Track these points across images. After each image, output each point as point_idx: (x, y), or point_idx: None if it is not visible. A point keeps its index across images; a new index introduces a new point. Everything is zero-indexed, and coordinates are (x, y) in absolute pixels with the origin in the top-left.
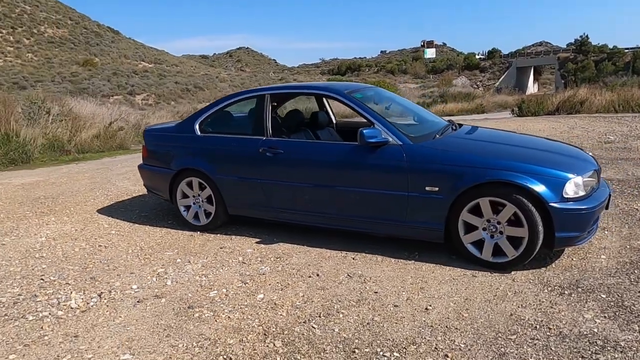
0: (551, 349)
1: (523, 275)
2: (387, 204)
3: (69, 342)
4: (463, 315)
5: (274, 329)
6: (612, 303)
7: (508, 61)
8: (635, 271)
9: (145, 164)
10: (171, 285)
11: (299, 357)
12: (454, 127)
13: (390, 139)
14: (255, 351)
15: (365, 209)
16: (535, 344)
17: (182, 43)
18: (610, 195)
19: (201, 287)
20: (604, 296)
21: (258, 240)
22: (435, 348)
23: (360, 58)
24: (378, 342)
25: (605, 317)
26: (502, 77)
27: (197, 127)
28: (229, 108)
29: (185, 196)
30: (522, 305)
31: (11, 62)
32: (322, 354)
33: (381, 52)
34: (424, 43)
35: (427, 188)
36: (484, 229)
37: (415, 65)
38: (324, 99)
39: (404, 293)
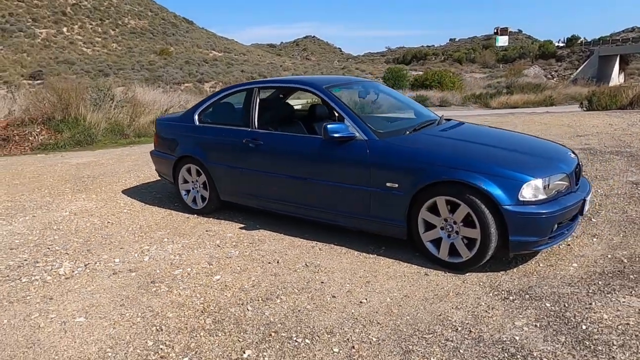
0: (459, 351)
1: (477, 278)
2: (353, 198)
3: (44, 303)
4: (392, 311)
5: (212, 308)
6: (552, 313)
7: (589, 49)
8: (599, 282)
9: (156, 151)
10: (147, 261)
11: (220, 335)
12: (437, 123)
13: (357, 134)
14: (185, 325)
15: (334, 202)
16: (446, 345)
17: (252, 32)
18: (585, 200)
19: (170, 265)
20: (548, 305)
21: (243, 225)
22: (347, 339)
23: (427, 46)
24: (298, 328)
25: (536, 326)
26: (581, 66)
27: (196, 117)
28: (227, 100)
29: (185, 181)
30: (457, 307)
31: (98, 51)
32: (242, 333)
33: (450, 40)
34: (497, 30)
35: (387, 184)
36: (442, 228)
37: (485, 54)
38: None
39: (348, 285)
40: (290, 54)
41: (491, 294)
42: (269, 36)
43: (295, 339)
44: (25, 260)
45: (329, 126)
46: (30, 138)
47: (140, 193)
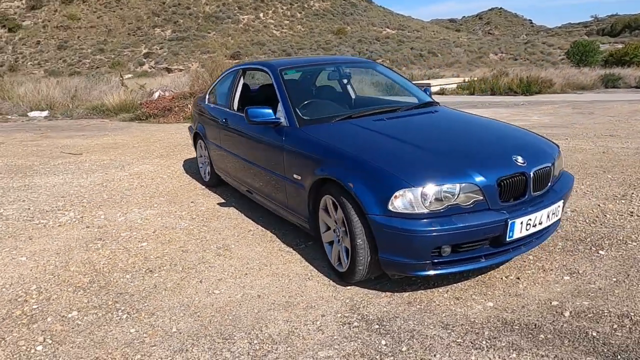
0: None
1: (352, 293)
2: (277, 187)
3: (21, 241)
4: (226, 308)
5: (104, 270)
6: (377, 352)
7: None
8: (486, 333)
9: (190, 126)
10: (119, 222)
11: (78, 293)
12: (407, 109)
13: (282, 120)
14: (70, 279)
15: (268, 190)
16: (221, 355)
17: (433, 8)
18: (508, 223)
19: (127, 228)
20: (383, 343)
21: (222, 202)
22: (158, 325)
23: None
24: (135, 304)
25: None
26: None
27: (207, 96)
28: (224, 80)
29: (201, 155)
30: (289, 319)
31: (285, 33)
32: (93, 297)
33: None
34: None
35: (294, 175)
36: (334, 231)
37: None
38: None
39: (227, 274)
40: (471, 29)
41: (341, 314)
42: (450, 11)
43: (121, 312)
44: (57, 207)
45: (249, 110)
46: (186, 109)
47: (192, 163)
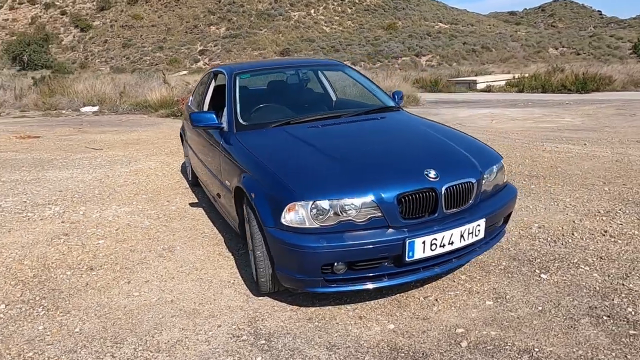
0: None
1: (259, 305)
2: (218, 190)
3: (0, 233)
4: (134, 311)
5: (51, 265)
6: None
7: None
8: (365, 358)
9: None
10: (92, 218)
11: (17, 286)
12: (355, 115)
13: (224, 125)
14: (19, 273)
15: (214, 191)
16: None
17: (492, 1)
18: (406, 242)
19: (96, 225)
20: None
21: (195, 202)
22: (64, 321)
23: None
24: (54, 300)
25: None
26: None
27: (190, 97)
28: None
29: (186, 155)
30: (186, 328)
31: (335, 29)
32: (27, 292)
33: None
34: None
35: (226, 181)
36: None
37: None
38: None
39: (154, 276)
40: (533, 22)
41: (236, 327)
42: (512, 3)
43: (41, 309)
44: (49, 201)
45: (192, 114)
46: None
47: None
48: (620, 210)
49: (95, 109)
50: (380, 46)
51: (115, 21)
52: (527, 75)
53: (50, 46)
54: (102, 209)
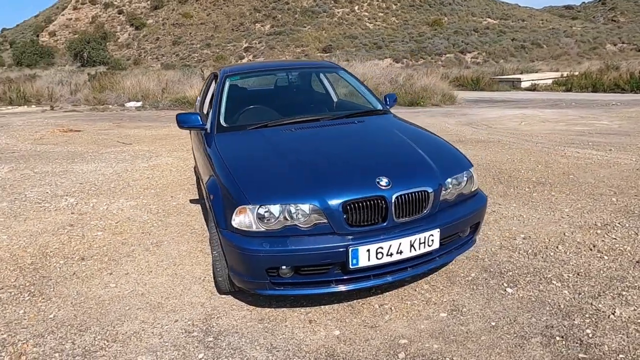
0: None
1: (220, 303)
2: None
3: (18, 221)
4: (88, 311)
5: (49, 254)
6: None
7: None
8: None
9: None
10: (99, 210)
11: (14, 272)
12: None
13: (208, 126)
14: (22, 255)
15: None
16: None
17: None
18: (350, 250)
19: (100, 217)
20: (200, 356)
21: (196, 198)
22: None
23: None
24: (38, 284)
25: None
26: None
27: (198, 97)
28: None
29: None
30: (144, 321)
31: (379, 25)
32: (20, 278)
33: None
34: None
35: (204, 180)
36: None
37: None
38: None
39: (135, 269)
40: (591, 16)
41: (191, 323)
42: None
43: (27, 294)
44: (68, 193)
45: (179, 115)
46: None
47: None
48: (619, 223)
49: (139, 104)
50: (424, 43)
51: (167, 19)
52: (577, 73)
53: (107, 44)
54: (110, 202)
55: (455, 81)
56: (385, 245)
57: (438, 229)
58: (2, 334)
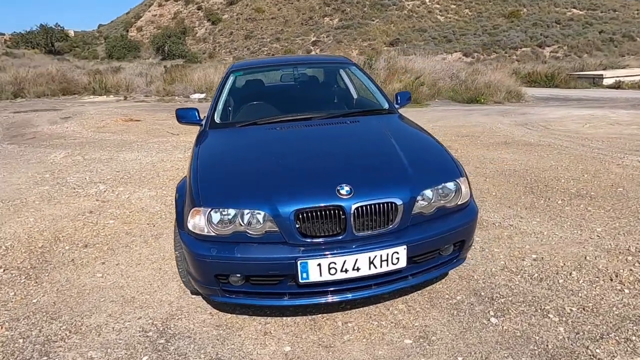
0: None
1: (187, 304)
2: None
3: (50, 205)
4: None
5: (60, 236)
6: None
7: None
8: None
9: None
10: (121, 199)
11: (29, 249)
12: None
13: (203, 123)
14: (37, 239)
15: None
16: None
17: None
18: (298, 262)
19: (119, 205)
20: (145, 359)
21: None
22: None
23: None
24: (38, 267)
25: None
26: None
27: None
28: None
29: None
30: (111, 314)
31: (450, 18)
32: (28, 254)
33: None
34: None
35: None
36: None
37: None
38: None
39: (126, 260)
40: None
41: (152, 322)
42: None
43: (24, 277)
44: (102, 180)
45: (178, 110)
46: None
47: None
48: None
49: (202, 95)
50: (498, 36)
51: (241, 14)
52: None
53: (186, 38)
54: (133, 191)
55: (527, 77)
56: (338, 260)
57: (404, 247)
58: None
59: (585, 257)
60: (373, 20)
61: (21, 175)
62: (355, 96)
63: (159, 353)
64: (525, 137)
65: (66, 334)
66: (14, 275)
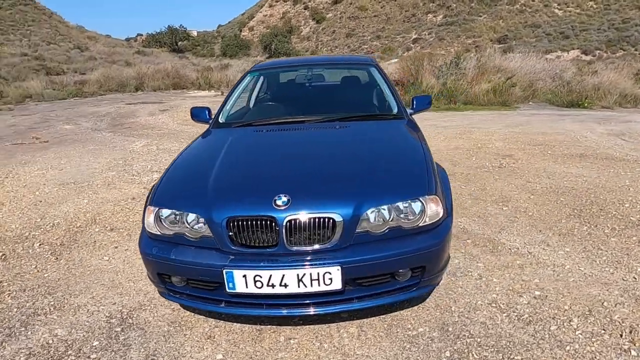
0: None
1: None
2: None
3: (105, 189)
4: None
5: (97, 219)
6: (76, 343)
7: None
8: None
9: None
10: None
11: (61, 228)
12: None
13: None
14: (75, 220)
15: None
16: None
17: None
18: (224, 270)
19: (144, 193)
20: (95, 344)
21: None
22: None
23: None
24: (57, 244)
25: None
26: None
27: None
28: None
29: None
30: (93, 297)
31: (570, 12)
32: (53, 232)
33: None
34: None
35: None
36: None
37: None
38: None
39: (137, 247)
40: None
41: (122, 307)
42: None
43: (39, 255)
44: (158, 170)
45: (193, 109)
46: None
47: None
48: None
49: None
50: (628, 31)
51: (344, 13)
52: None
53: (292, 37)
54: (144, 180)
55: None
56: (264, 273)
57: (338, 267)
58: (5, 281)
59: (603, 303)
60: (480, 16)
61: (102, 161)
62: (366, 99)
63: (109, 340)
64: (610, 150)
65: (50, 310)
66: (44, 250)
